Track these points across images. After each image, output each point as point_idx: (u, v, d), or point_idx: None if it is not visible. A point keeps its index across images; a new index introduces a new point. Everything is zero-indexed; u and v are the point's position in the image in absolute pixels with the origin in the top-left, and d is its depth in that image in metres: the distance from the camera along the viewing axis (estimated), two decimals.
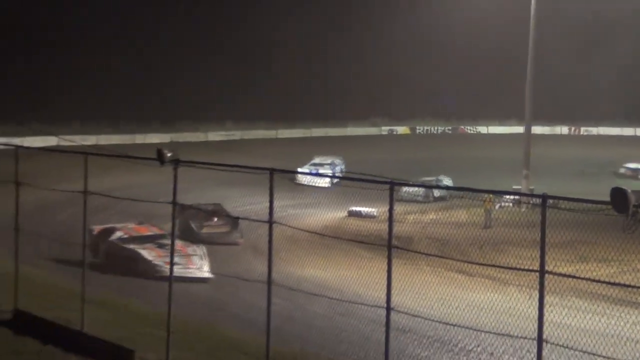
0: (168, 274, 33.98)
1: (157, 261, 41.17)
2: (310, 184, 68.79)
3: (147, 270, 40.56)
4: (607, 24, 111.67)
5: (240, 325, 30.70)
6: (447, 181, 73.51)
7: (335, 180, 66.35)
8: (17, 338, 22.68)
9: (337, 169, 74.41)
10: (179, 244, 40.20)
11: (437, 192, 69.21)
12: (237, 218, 50.54)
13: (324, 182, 69.81)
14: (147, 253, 42.52)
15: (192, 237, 48.95)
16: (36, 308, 24.62)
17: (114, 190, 29.28)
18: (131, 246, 43.56)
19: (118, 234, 45.08)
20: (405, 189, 65.40)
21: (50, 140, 66.55)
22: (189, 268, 40.37)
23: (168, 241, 38.65)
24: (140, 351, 21.81)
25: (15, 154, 25.51)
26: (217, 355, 23.24)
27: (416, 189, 67.70)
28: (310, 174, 74.04)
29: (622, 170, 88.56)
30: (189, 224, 52.99)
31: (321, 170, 74.53)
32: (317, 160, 72.88)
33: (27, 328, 23.20)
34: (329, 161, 73.68)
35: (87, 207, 24.00)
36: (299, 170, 70.44)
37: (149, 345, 22.21)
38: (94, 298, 24.86)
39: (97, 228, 44.59)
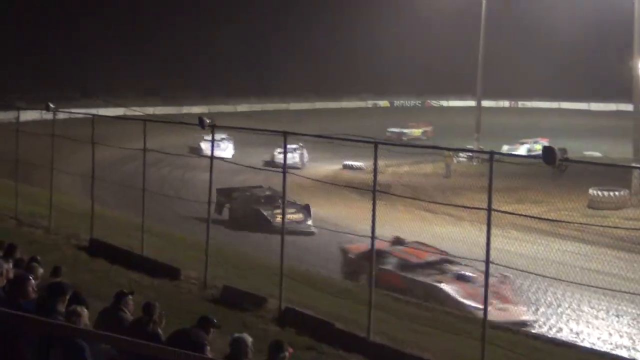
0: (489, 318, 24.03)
1: (468, 301, 25.47)
2: (216, 155, 63.43)
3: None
4: (543, 18, 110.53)
5: (261, 251, 30.73)
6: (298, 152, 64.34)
7: (233, 153, 64.08)
8: (92, 259, 22.69)
9: (230, 144, 68.84)
10: (473, 274, 27.07)
11: (297, 160, 61.36)
12: (308, 205, 41.26)
13: (227, 154, 63.48)
14: (452, 290, 26.44)
15: (265, 228, 38.86)
16: (107, 237, 24.62)
17: (166, 148, 29.22)
18: (421, 278, 27.34)
19: (392, 260, 28.44)
20: (277, 157, 59.15)
21: (118, 111, 66.29)
22: (506, 309, 25.54)
23: (457, 267, 28.25)
24: (185, 269, 21.83)
25: (92, 121, 25.46)
26: (241, 272, 23.25)
27: (290, 155, 57.98)
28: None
29: (388, 134, 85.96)
30: (258, 211, 41.15)
31: (217, 145, 67.35)
32: (208, 137, 67.39)
33: (100, 252, 23.20)
34: (223, 136, 68.76)
35: (146, 161, 24.01)
36: (202, 144, 64.23)
37: (192, 264, 22.21)
38: (151, 229, 24.86)
39: (355, 248, 29.90)
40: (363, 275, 26.87)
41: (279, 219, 37.96)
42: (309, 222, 40.44)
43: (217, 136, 64.65)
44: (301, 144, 62.95)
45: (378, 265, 25.17)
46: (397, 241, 29.85)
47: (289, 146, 61.48)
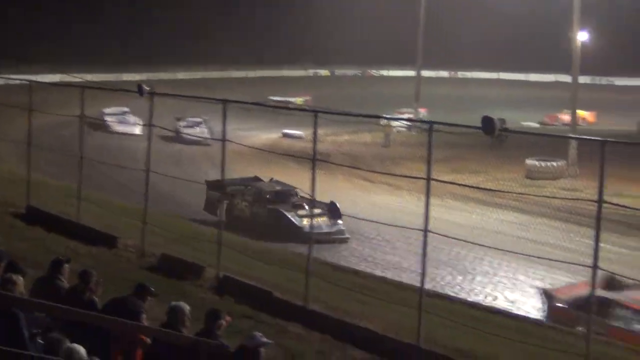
0: None
1: None
2: (125, 131, 58.35)
3: None
4: None
5: (200, 219, 30.62)
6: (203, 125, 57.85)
7: (141, 128, 52.80)
8: (28, 227, 22.46)
9: (130, 117, 60.20)
10: None
11: (206, 134, 52.53)
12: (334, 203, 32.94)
13: (137, 130, 55.81)
14: None
15: (294, 236, 30.37)
16: (43, 205, 24.38)
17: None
18: None
19: (625, 313, 20.81)
20: (184, 130, 54.31)
21: (55, 77, 65.47)
22: None
23: None
24: (123, 237, 21.68)
25: (29, 87, 25.14)
26: (180, 240, 23.15)
27: (199, 131, 54.54)
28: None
29: (271, 102, 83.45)
30: (281, 214, 33.42)
31: (117, 119, 60.21)
32: (109, 110, 60.14)
33: (37, 220, 22.96)
34: (122, 110, 61.59)
35: (85, 128, 23.82)
36: (107, 119, 58.97)
37: (130, 233, 22.05)
38: (88, 197, 24.63)
39: (564, 292, 23.81)
40: (579, 328, 19.68)
41: (306, 222, 32.07)
42: (341, 225, 32.91)
43: (120, 110, 61.64)
44: (206, 117, 57.07)
45: (605, 319, 20.69)
46: (613, 284, 21.14)
47: (192, 119, 57.14)
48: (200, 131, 54.45)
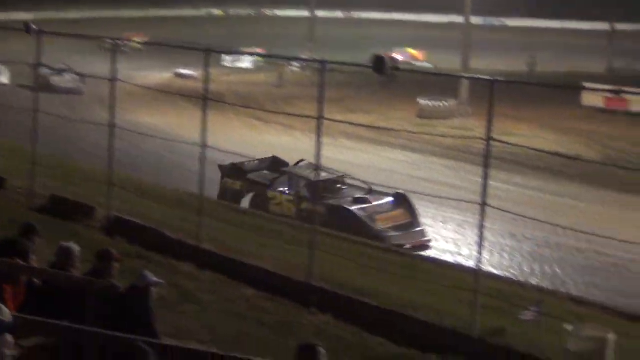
0: None
1: None
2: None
3: None
4: None
5: (91, 160, 30.16)
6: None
7: (9, 77, 52.55)
8: None
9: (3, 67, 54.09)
10: None
11: (71, 84, 50.86)
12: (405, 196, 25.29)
13: (4, 79, 53.06)
14: None
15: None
16: None
17: None
18: None
19: None
20: (54, 79, 49.57)
21: None
22: None
23: None
24: (11, 180, 21.27)
25: None
26: (72, 181, 22.82)
27: (68, 79, 50.63)
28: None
29: (106, 45, 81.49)
30: (350, 215, 24.77)
31: None
32: None
33: None
34: None
35: None
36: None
37: (19, 175, 21.62)
38: None
39: None
40: None
41: (380, 225, 24.92)
42: (421, 224, 25.81)
43: None
44: (69, 65, 50.94)
45: None
46: None
47: (56, 66, 53.16)
48: (71, 78, 50.77)
